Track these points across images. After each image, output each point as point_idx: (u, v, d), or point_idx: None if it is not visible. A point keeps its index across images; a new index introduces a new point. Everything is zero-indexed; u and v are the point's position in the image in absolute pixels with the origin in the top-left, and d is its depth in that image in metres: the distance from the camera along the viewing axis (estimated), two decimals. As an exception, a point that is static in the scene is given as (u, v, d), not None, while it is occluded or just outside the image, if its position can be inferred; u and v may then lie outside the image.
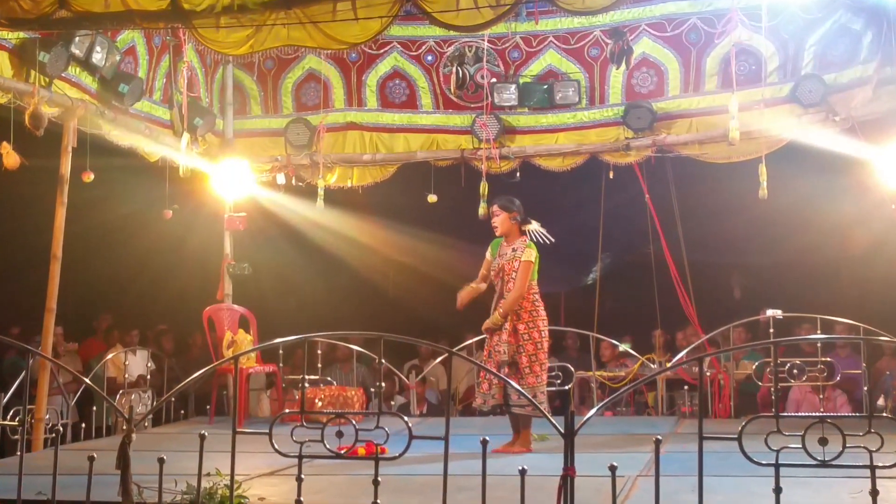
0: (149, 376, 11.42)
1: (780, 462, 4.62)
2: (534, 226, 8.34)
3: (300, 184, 12.03)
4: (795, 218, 11.86)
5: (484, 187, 11.26)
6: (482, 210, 10.96)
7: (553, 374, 10.88)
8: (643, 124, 11.08)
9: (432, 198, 11.55)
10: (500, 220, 8.38)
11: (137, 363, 11.53)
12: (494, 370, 7.86)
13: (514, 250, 8.25)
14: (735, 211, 12.29)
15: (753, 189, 10.47)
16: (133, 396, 10.72)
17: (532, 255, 8.16)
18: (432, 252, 13.44)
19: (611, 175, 11.38)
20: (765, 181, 10.40)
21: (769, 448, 4.64)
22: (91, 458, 5.26)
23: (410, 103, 11.88)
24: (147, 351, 11.82)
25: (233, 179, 11.69)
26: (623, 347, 11.90)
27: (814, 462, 4.63)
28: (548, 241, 8.30)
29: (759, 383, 11.04)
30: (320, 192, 11.79)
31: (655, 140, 11.10)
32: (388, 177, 11.95)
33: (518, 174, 11.51)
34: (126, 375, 11.10)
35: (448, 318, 14.35)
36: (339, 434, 4.94)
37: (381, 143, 11.93)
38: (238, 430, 5.16)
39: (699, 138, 11.01)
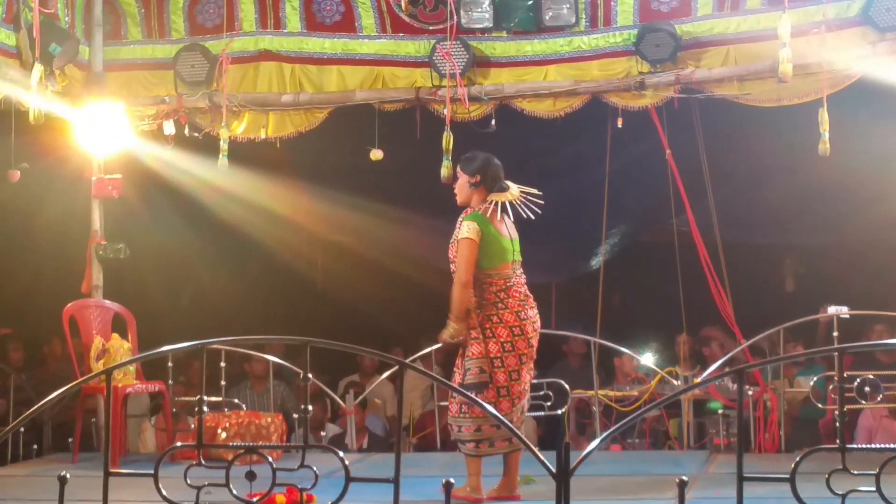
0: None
1: (846, 511, 4.67)
2: (511, 191, 8.30)
3: (196, 135, 11.97)
4: (867, 183, 11.95)
5: (447, 139, 11.24)
6: (445, 170, 10.93)
7: (541, 393, 10.91)
8: (663, 54, 11.10)
9: (376, 154, 11.53)
10: (458, 186, 8.43)
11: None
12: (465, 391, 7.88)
13: (458, 228, 8.29)
14: (786, 173, 12.36)
15: (811, 143, 10.52)
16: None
17: (471, 229, 8.12)
18: (377, 229, 13.44)
19: (619, 124, 11.40)
20: (826, 132, 10.45)
21: (832, 492, 4.68)
22: None
23: (346, 24, 11.85)
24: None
25: (103, 129, 11.61)
26: (643, 359, 11.97)
27: (892, 510, 4.68)
28: (531, 214, 8.27)
29: (820, 405, 11.12)
30: (223, 145, 11.74)
31: (680, 75, 11.13)
32: (315, 125, 11.92)
33: (493, 122, 11.50)
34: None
35: (398, 320, 14.44)
36: (251, 476, 4.94)
37: (306, 78, 11.90)
38: (112, 470, 5.14)
39: (738, 73, 11.05)
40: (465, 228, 8.16)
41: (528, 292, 8.33)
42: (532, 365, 8.37)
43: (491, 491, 8.26)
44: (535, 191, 8.30)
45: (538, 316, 8.35)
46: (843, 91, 10.67)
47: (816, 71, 10.63)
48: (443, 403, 10.70)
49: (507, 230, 8.30)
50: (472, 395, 7.55)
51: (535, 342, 8.28)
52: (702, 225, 11.70)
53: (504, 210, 8.24)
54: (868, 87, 10.57)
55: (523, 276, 8.36)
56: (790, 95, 10.82)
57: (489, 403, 7.84)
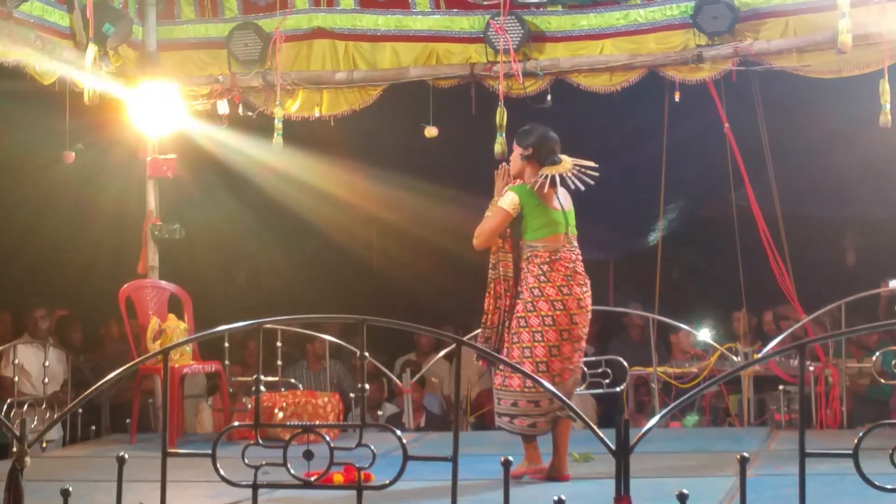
0: (46, 380, 11.44)
1: (912, 486, 4.64)
2: (565, 164, 8.26)
3: (250, 114, 12.01)
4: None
5: (501, 115, 11.23)
6: (498, 146, 10.94)
7: (599, 370, 10.90)
8: (721, 26, 11.04)
9: (431, 130, 11.52)
10: (512, 158, 8.44)
11: (31, 362, 11.53)
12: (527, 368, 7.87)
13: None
14: (847, 145, 12.28)
15: (872, 114, 10.44)
16: (27, 408, 10.74)
17: (510, 201, 8.15)
18: (430, 208, 13.44)
19: (676, 97, 11.35)
20: (887, 103, 10.37)
21: (896, 468, 4.65)
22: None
23: (400, 1, 11.84)
24: (44, 345, 11.82)
25: (157, 108, 11.66)
26: (699, 335, 11.93)
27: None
28: (582, 186, 8.23)
29: (883, 381, 11.04)
30: (278, 124, 11.77)
31: (738, 48, 11.06)
32: (369, 103, 11.92)
33: (549, 97, 11.47)
34: (16, 379, 11.12)
35: (450, 299, 14.43)
36: (309, 455, 4.95)
37: (359, 55, 11.90)
38: (169, 451, 5.17)
39: (798, 44, 10.97)
40: (505, 198, 8.18)
41: (578, 269, 8.23)
42: (582, 345, 8.31)
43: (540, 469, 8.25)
44: (590, 163, 8.25)
45: (587, 295, 8.25)
46: (905, 61, 10.58)
47: (877, 41, 10.54)
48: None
49: (560, 202, 8.25)
50: (521, 368, 7.52)
51: (578, 320, 8.17)
52: (761, 199, 11.62)
53: (554, 183, 8.20)
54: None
55: (576, 252, 8.28)
56: (850, 66, 10.74)
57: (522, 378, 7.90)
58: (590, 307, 8.29)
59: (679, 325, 12.06)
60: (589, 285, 8.29)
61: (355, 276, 15.04)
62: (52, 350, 11.48)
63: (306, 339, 12.80)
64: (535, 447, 8.22)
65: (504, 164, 8.52)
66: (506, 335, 8.24)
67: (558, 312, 8.09)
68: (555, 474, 8.16)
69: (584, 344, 8.36)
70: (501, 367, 8.12)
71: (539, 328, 8.07)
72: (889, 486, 4.69)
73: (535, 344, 8.07)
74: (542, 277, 8.12)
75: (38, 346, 11.49)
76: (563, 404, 5.30)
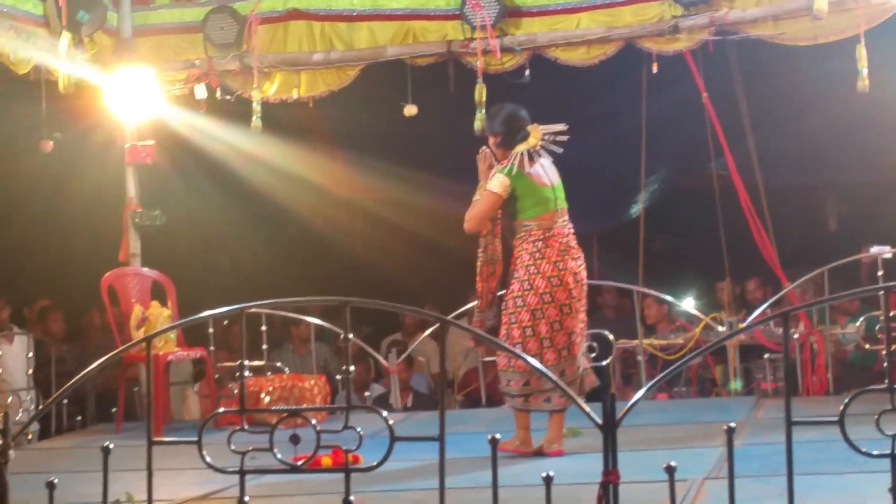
0: (30, 371, 11.43)
1: (898, 451, 4.64)
2: (535, 135, 8.27)
3: (228, 97, 11.97)
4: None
5: (480, 91, 11.22)
6: (478, 123, 10.91)
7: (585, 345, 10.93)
8: (696, -5, 11.05)
9: (410, 109, 11.51)
10: (491, 148, 8.46)
11: (14, 353, 11.52)
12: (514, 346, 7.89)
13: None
14: (825, 112, 12.28)
15: (849, 80, 10.45)
16: (10, 399, 10.73)
17: (499, 183, 8.15)
18: (411, 191, 13.42)
19: (654, 69, 11.35)
20: (864, 68, 10.38)
21: (883, 433, 4.65)
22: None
23: (375, -21, 11.83)
24: (27, 335, 11.81)
25: (134, 95, 11.63)
26: (684, 306, 11.94)
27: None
28: (557, 149, 8.23)
29: (867, 346, 11.07)
30: (256, 107, 11.74)
31: (713, 17, 11.04)
32: (347, 83, 11.90)
33: (527, 72, 11.46)
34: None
35: (435, 283, 14.43)
36: (295, 439, 4.94)
37: (336, 36, 11.87)
38: (155, 439, 5.15)
39: (773, 12, 10.96)
40: (494, 181, 8.17)
41: (571, 243, 8.28)
42: (583, 317, 8.35)
43: (538, 447, 8.27)
44: (559, 126, 8.27)
45: (582, 268, 8.30)
46: (882, 25, 10.57)
47: (852, 7, 10.54)
48: (487, 359, 10.73)
49: (547, 177, 8.27)
50: (516, 350, 7.55)
51: (577, 293, 8.22)
52: (741, 168, 11.64)
53: (531, 157, 8.21)
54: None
55: (568, 226, 8.32)
56: (826, 33, 10.73)
57: (534, 355, 7.87)
58: (585, 280, 8.34)
59: (654, 294, 12.07)
60: (583, 258, 8.35)
61: (338, 262, 15.03)
62: (17, 339, 11.51)
63: (291, 323, 12.80)
64: (527, 428, 8.24)
65: (484, 147, 8.51)
66: (503, 317, 8.26)
67: (556, 288, 8.12)
68: (547, 449, 8.21)
69: (584, 316, 8.40)
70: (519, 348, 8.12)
71: (538, 305, 8.09)
72: (875, 452, 4.70)
73: (537, 322, 8.10)
74: (538, 254, 8.14)
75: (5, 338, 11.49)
76: (552, 382, 5.28)
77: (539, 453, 8.18)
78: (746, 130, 11.74)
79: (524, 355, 6.20)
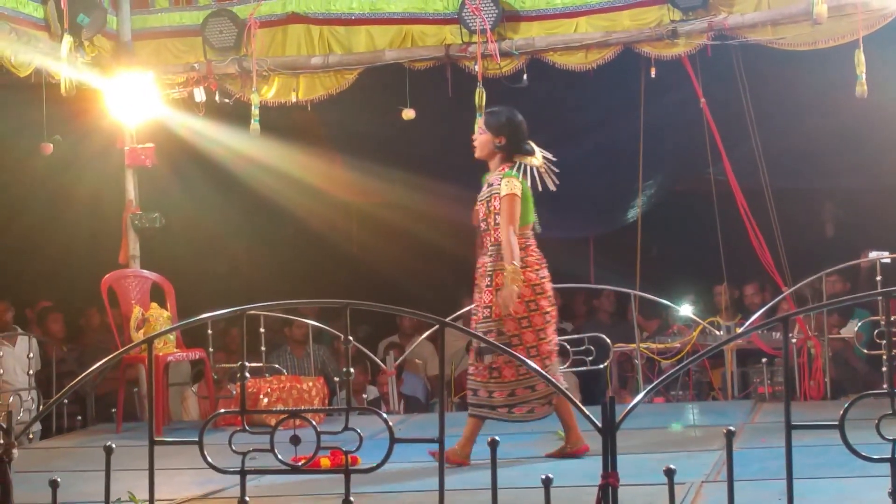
0: (31, 371, 11.44)
1: (897, 455, 4.65)
2: (536, 158, 8.30)
3: (226, 101, 11.99)
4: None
5: (479, 95, 11.22)
6: (478, 126, 10.92)
7: (581, 348, 10.92)
8: (695, 1, 11.03)
9: (409, 113, 11.51)
10: (480, 142, 8.40)
11: (16, 354, 11.52)
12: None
13: (489, 186, 8.28)
14: (824, 117, 12.28)
15: (848, 85, 10.46)
16: (12, 399, 10.72)
17: (514, 185, 8.13)
18: (409, 194, 13.43)
19: (652, 73, 11.35)
20: (863, 74, 10.39)
21: (882, 437, 4.66)
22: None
23: (374, -17, 11.84)
24: (28, 336, 11.81)
25: (134, 98, 11.64)
26: (681, 310, 11.94)
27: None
28: (551, 184, 8.26)
29: (866, 351, 11.09)
30: (255, 110, 11.75)
31: (712, 22, 11.05)
32: (346, 86, 11.90)
33: (525, 76, 11.47)
34: (0, 371, 11.12)
35: (432, 287, 14.42)
36: (295, 440, 4.95)
37: (334, 40, 11.88)
38: (156, 439, 5.16)
39: (772, 17, 10.97)
40: (511, 184, 8.14)
41: (540, 253, 8.32)
42: (555, 325, 8.36)
43: (558, 449, 8.23)
44: (549, 155, 8.31)
45: (549, 277, 8.33)
46: (881, 31, 10.59)
47: (851, 12, 10.55)
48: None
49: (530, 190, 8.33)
50: (515, 354, 7.53)
51: (554, 301, 8.29)
52: (738, 173, 11.64)
53: (526, 173, 8.23)
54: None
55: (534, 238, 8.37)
56: (825, 38, 10.74)
57: (543, 360, 7.92)
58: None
59: (664, 301, 12.06)
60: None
61: (336, 265, 15.03)
62: (20, 340, 11.53)
63: (286, 325, 12.81)
64: (473, 440, 8.16)
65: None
66: (482, 325, 8.24)
67: (539, 297, 8.16)
68: (575, 449, 8.11)
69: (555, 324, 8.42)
70: (487, 360, 8.10)
71: (525, 314, 8.09)
72: (875, 456, 4.70)
73: (523, 331, 8.09)
74: (522, 264, 8.12)
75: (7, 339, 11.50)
76: (553, 387, 5.30)
77: (569, 451, 8.11)
78: (752, 133, 11.72)
79: (532, 364, 6.15)
